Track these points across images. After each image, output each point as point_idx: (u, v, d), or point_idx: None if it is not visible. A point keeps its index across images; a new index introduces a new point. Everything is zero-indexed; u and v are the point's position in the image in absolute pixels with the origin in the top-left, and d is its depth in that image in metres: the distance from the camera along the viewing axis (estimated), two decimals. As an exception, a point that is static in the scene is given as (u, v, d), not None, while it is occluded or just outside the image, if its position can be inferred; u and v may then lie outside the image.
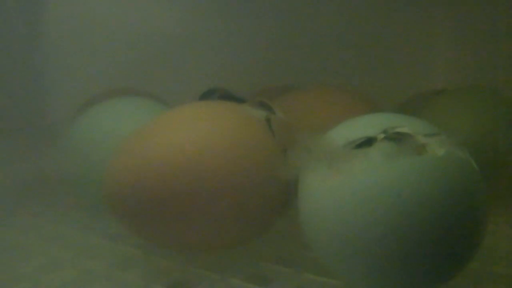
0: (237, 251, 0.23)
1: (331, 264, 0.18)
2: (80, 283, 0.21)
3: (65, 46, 0.46)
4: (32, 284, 0.21)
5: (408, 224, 0.15)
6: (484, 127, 0.27)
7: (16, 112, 0.41)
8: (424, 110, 0.29)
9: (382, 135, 0.17)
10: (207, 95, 0.24)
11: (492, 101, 0.29)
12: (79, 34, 0.46)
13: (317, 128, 0.19)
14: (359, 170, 0.16)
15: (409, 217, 0.15)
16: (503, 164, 0.26)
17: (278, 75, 0.45)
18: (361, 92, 0.31)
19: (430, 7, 0.42)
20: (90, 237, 0.26)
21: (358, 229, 0.16)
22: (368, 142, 0.17)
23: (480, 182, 0.17)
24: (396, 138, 0.17)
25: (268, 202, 0.21)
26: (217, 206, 0.19)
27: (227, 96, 0.24)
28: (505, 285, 0.20)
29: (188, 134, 0.20)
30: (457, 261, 0.17)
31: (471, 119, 0.27)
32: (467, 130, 0.27)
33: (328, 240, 0.17)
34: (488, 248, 0.22)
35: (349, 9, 0.45)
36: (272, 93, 0.33)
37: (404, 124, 0.17)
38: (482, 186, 0.17)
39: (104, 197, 0.21)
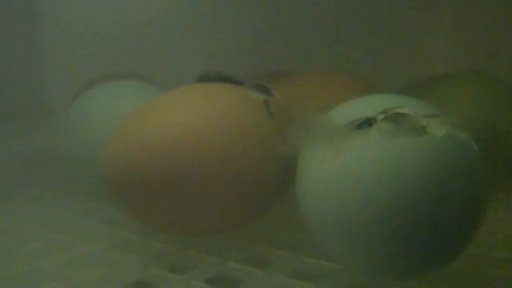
0: (235, 234, 0.23)
1: (328, 247, 0.18)
2: (77, 266, 0.21)
3: (63, 31, 0.45)
4: (28, 268, 0.21)
5: (407, 205, 0.15)
6: (484, 112, 0.27)
7: (15, 95, 0.41)
8: (423, 95, 0.29)
9: (382, 116, 0.16)
10: (204, 78, 0.24)
11: (492, 86, 0.29)
12: (76, 19, 0.46)
13: (316, 110, 0.18)
14: (358, 150, 0.16)
15: (408, 199, 0.15)
16: (502, 149, 0.26)
17: (276, 60, 0.45)
18: (360, 76, 0.31)
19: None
20: (87, 221, 0.26)
21: (356, 210, 0.16)
22: (367, 122, 0.17)
23: (480, 163, 0.16)
24: (395, 118, 0.16)
25: (266, 184, 0.20)
26: (215, 188, 0.19)
27: (224, 78, 0.23)
28: (505, 270, 0.20)
29: (186, 115, 0.20)
30: (456, 243, 0.16)
31: (471, 103, 0.27)
32: (467, 115, 0.27)
33: (325, 222, 0.17)
34: (488, 232, 0.22)
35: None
36: (270, 77, 0.33)
37: (404, 105, 0.17)
38: (482, 167, 0.16)
39: (101, 179, 0.21)
